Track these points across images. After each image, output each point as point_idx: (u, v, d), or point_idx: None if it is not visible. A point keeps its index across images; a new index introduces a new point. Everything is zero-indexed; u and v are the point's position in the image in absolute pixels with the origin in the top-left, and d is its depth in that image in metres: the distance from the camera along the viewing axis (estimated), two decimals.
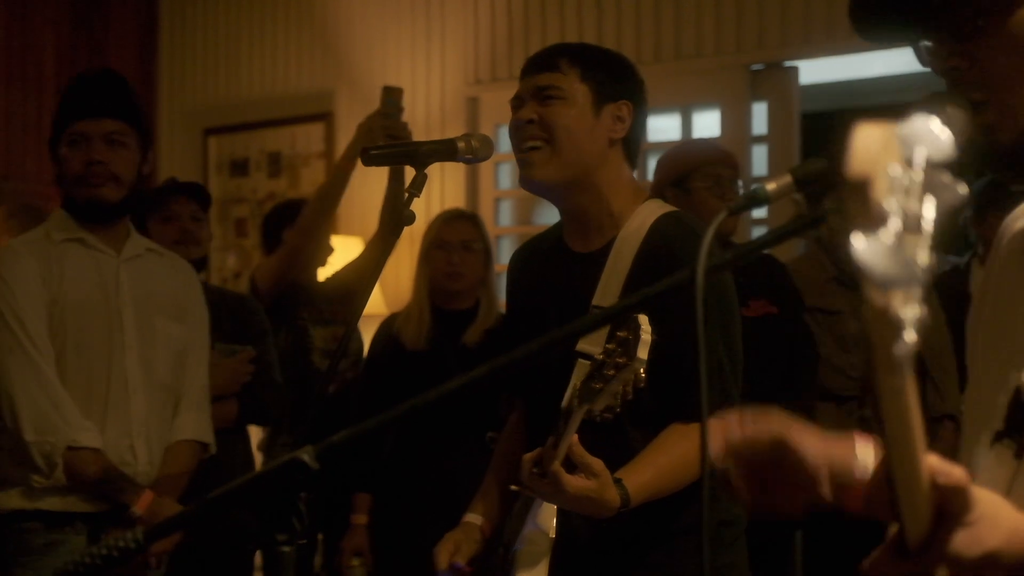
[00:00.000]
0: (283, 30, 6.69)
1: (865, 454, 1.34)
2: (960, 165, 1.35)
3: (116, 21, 6.97)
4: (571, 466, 2.30)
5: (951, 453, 1.29)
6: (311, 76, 6.49)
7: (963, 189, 0.91)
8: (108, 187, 3.04)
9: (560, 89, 2.58)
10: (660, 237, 2.51)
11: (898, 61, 5.28)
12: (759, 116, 5.18)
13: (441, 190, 5.85)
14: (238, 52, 6.89)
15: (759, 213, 5.09)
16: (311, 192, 5.99)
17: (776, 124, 5.14)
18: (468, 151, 2.54)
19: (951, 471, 1.04)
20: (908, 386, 0.93)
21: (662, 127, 5.44)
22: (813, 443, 1.36)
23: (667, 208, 2.60)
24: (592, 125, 2.59)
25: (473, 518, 2.74)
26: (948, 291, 4.51)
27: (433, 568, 2.67)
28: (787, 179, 1.45)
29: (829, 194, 1.30)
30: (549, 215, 2.75)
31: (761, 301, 3.86)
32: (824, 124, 5.80)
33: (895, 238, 0.85)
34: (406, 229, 2.46)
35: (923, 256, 0.88)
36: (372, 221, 4.48)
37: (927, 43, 1.46)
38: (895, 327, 0.86)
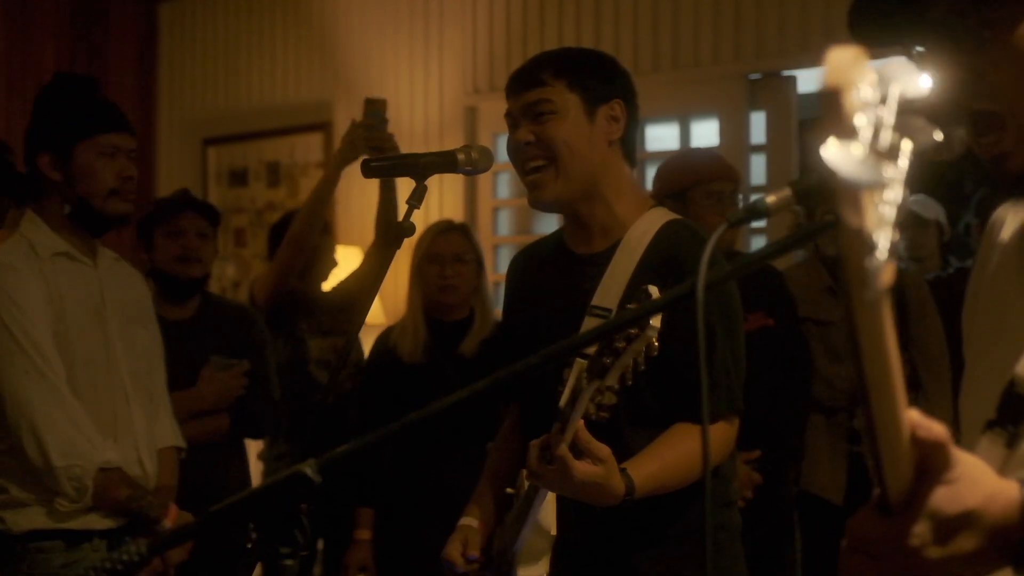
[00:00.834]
0: (282, 41, 6.71)
1: None
2: (968, 175, 1.36)
3: (116, 33, 7.00)
4: (577, 453, 2.30)
5: None
6: (309, 86, 6.51)
7: (937, 135, 0.91)
8: (132, 202, 3.06)
9: (551, 103, 2.56)
10: (667, 243, 2.51)
11: None
12: (757, 125, 5.18)
13: (440, 200, 5.85)
14: (237, 63, 6.92)
15: (758, 223, 5.11)
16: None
17: (774, 133, 5.15)
18: (468, 163, 2.54)
19: (931, 426, 1.04)
20: (883, 312, 0.93)
21: (660, 136, 5.44)
22: None
23: (673, 216, 2.60)
24: (589, 132, 2.58)
25: (469, 521, 2.73)
26: (952, 294, 4.51)
27: None
28: (787, 192, 1.45)
29: (823, 205, 1.30)
30: (547, 224, 2.74)
31: (757, 314, 3.82)
32: (810, 132, 5.80)
33: (866, 152, 0.86)
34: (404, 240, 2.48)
35: (896, 187, 0.88)
36: (371, 231, 4.50)
37: (922, 50, 1.45)
38: (868, 244, 0.87)
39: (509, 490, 2.65)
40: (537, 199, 2.60)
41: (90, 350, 3.02)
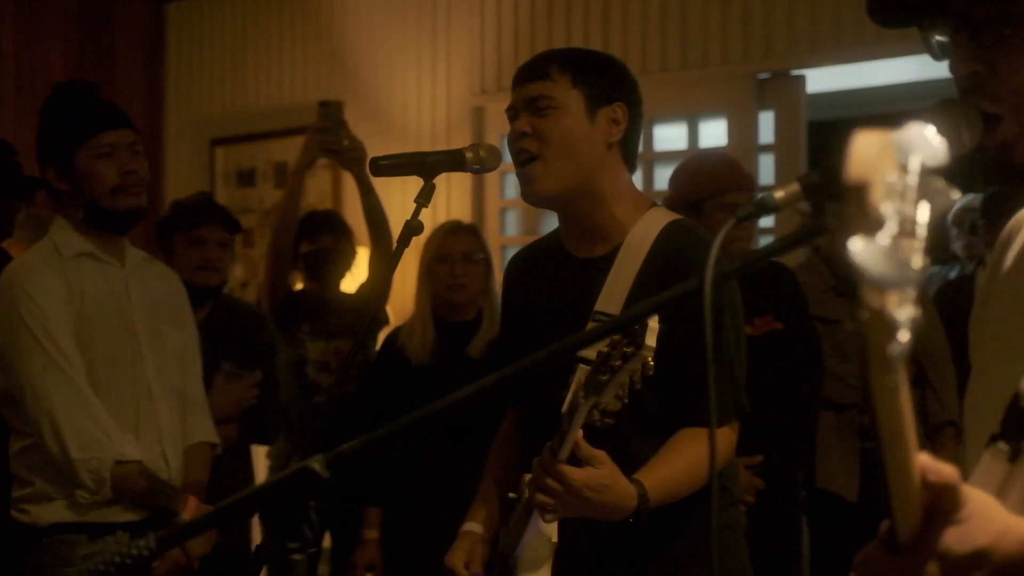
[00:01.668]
0: (289, 41, 6.73)
1: None
2: (970, 173, 1.35)
3: (123, 34, 7.02)
4: (577, 464, 2.29)
5: (953, 459, 1.31)
6: (317, 87, 6.49)
7: (955, 195, 0.93)
8: (143, 194, 3.09)
9: (552, 98, 2.56)
10: (669, 245, 2.50)
11: (905, 69, 5.29)
12: (766, 125, 5.17)
13: (448, 200, 5.88)
14: (244, 63, 6.94)
15: (766, 222, 5.09)
16: (318, 201, 6.10)
17: (783, 133, 5.14)
18: (476, 161, 2.54)
19: (941, 469, 1.05)
20: (901, 385, 0.95)
21: (669, 136, 5.44)
22: None
23: (673, 216, 2.58)
24: (588, 131, 2.57)
25: (473, 527, 2.73)
26: (955, 299, 4.51)
27: None
28: (795, 187, 1.43)
29: (829, 203, 1.28)
30: (555, 224, 2.73)
31: (767, 318, 3.83)
32: (831, 133, 5.79)
33: (891, 241, 0.88)
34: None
35: (917, 259, 0.90)
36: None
37: (942, 39, 1.45)
38: (890, 327, 0.89)
39: (512, 495, 2.65)
40: (529, 193, 2.59)
41: (112, 347, 3.06)
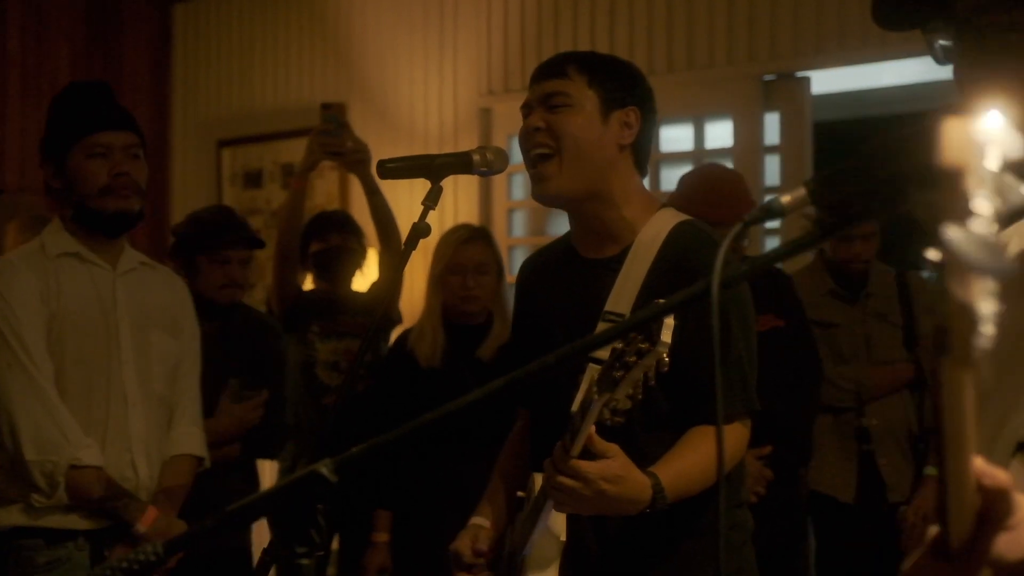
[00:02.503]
0: (296, 42, 6.75)
1: None
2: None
3: (130, 35, 7.04)
4: (590, 459, 2.31)
5: None
6: (324, 88, 6.51)
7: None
8: (133, 198, 3.06)
9: (568, 96, 2.59)
10: (679, 245, 2.52)
11: (910, 71, 5.29)
12: (771, 126, 5.19)
13: (455, 201, 5.88)
14: (251, 64, 6.96)
15: (772, 224, 5.12)
16: (325, 202, 6.13)
17: (789, 134, 5.15)
18: (483, 164, 2.56)
19: (996, 474, 1.05)
20: (972, 384, 0.94)
21: (675, 137, 5.46)
22: None
23: (682, 216, 2.60)
24: (600, 132, 2.59)
25: (480, 520, 2.75)
26: None
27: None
28: (801, 192, 1.43)
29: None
30: (562, 225, 2.74)
31: (768, 315, 3.82)
32: (837, 134, 5.80)
33: (986, 231, 0.87)
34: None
35: (1009, 251, 0.91)
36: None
37: (946, 43, 1.46)
38: (974, 320, 0.88)
39: (520, 493, 2.67)
40: (541, 192, 2.61)
41: (87, 349, 3.03)
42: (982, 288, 0.88)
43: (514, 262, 5.65)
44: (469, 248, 4.10)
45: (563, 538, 2.55)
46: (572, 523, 2.53)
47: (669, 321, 2.17)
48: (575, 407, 2.35)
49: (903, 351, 4.39)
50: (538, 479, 2.56)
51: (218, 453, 3.61)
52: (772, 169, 5.19)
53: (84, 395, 3.00)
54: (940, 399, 0.97)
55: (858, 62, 5.06)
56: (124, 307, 3.09)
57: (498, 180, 5.77)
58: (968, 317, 0.89)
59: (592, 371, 2.41)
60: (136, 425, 3.06)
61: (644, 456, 2.44)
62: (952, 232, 0.87)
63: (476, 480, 3.60)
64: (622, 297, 2.57)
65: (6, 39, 6.54)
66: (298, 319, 4.39)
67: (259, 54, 6.92)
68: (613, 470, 2.32)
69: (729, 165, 4.85)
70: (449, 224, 4.74)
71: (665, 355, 2.18)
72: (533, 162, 2.60)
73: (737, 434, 2.56)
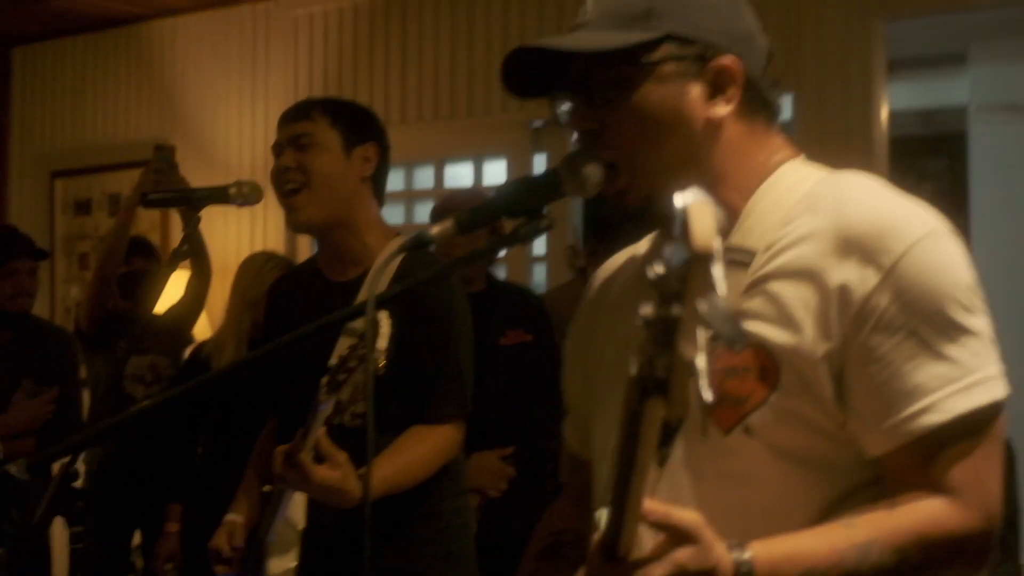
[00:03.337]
0: (124, 83, 6.79)
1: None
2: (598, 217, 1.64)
3: None
4: (319, 459, 2.40)
5: None
6: (149, 125, 6.60)
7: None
8: None
9: (313, 136, 2.68)
10: (407, 271, 2.59)
11: None
12: (540, 166, 5.46)
13: (264, 226, 6.04)
14: (83, 102, 6.97)
15: (540, 250, 5.55)
16: (148, 230, 6.17)
17: None
18: (239, 196, 2.69)
19: (656, 509, 1.22)
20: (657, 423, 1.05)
21: (457, 175, 5.77)
22: None
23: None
24: (344, 166, 2.69)
25: (234, 516, 2.84)
26: None
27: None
28: (449, 223, 1.50)
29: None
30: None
31: (518, 330, 4.06)
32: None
33: (726, 304, 0.95)
34: (220, 263, 2.49)
35: (743, 323, 1.08)
36: (223, 260, 4.79)
37: (566, 105, 1.55)
38: (694, 374, 0.97)
39: (267, 488, 2.75)
40: (293, 221, 2.68)
41: None
42: (701, 347, 0.96)
43: None
44: (274, 277, 4.10)
45: (300, 527, 2.67)
46: (312, 511, 2.63)
47: (385, 330, 2.32)
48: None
49: None
50: None
51: (13, 449, 3.77)
52: (539, 240, 5.16)
53: None
54: (639, 432, 1.05)
55: None
56: None
57: None
58: (688, 370, 0.96)
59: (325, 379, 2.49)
60: None
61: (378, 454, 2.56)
62: (703, 305, 0.93)
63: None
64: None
65: None
66: (106, 336, 4.46)
67: (91, 93, 6.93)
68: (333, 481, 2.38)
69: None
70: (259, 248, 4.99)
71: (381, 361, 2.35)
72: (286, 195, 2.69)
73: (450, 433, 2.66)
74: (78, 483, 2.72)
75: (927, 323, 1.38)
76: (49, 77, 7.19)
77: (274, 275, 4.06)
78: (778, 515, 1.41)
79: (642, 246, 1.74)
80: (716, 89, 1.52)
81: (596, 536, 1.23)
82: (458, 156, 5.71)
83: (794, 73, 4.80)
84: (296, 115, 2.75)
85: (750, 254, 1.48)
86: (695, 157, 1.51)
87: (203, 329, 5.25)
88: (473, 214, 1.50)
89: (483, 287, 4.01)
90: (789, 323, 1.40)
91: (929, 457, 1.38)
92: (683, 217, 0.95)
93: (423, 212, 5.67)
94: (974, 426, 1.38)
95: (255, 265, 4.30)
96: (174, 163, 4.00)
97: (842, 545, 1.34)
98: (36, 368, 4.12)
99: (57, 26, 6.81)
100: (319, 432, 2.38)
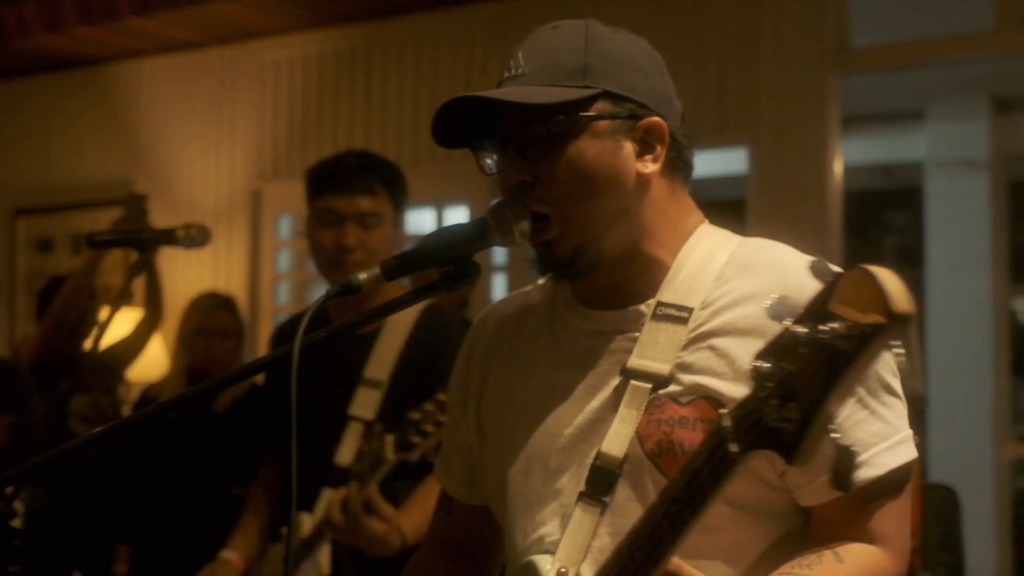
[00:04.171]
0: (89, 123, 6.84)
1: None
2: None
3: None
4: (367, 511, 2.52)
5: None
6: (113, 165, 6.65)
7: None
8: None
9: (379, 216, 2.74)
10: (427, 332, 2.76)
11: None
12: None
13: (228, 270, 6.12)
14: (48, 141, 7.01)
15: (500, 260, 5.64)
16: (109, 270, 6.07)
17: None
18: (186, 238, 2.71)
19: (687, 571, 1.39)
20: None
21: (419, 220, 5.88)
22: None
23: (428, 302, 2.72)
24: (394, 236, 2.79)
25: (229, 554, 2.87)
26: None
27: None
28: (376, 271, 1.53)
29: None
30: (318, 294, 2.94)
31: None
32: None
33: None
34: (180, 305, 2.44)
35: None
36: (175, 302, 4.84)
37: (492, 158, 1.58)
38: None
39: (284, 529, 2.81)
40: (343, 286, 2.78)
41: None
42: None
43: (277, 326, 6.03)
44: (215, 315, 4.38)
45: (326, 572, 2.70)
46: (336, 558, 2.69)
47: (431, 428, 2.41)
48: (348, 461, 2.56)
49: None
50: (306, 518, 2.70)
51: None
52: (500, 249, 5.52)
53: None
54: (720, 482, 1.24)
55: None
56: None
57: (265, 254, 6.08)
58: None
59: (356, 427, 2.63)
60: None
61: (397, 499, 2.64)
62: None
63: (216, 517, 3.80)
64: (380, 364, 2.71)
65: None
66: (48, 374, 4.42)
67: (56, 132, 6.98)
68: (380, 534, 2.51)
69: None
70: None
71: (420, 453, 2.44)
72: (345, 270, 2.67)
73: None
74: (16, 523, 2.73)
75: (864, 384, 1.46)
76: (15, 115, 7.23)
77: (214, 313, 4.31)
78: (733, 559, 1.50)
79: (533, 293, 1.78)
80: (645, 147, 1.58)
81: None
82: (420, 203, 5.58)
83: (750, 127, 4.90)
84: (360, 187, 2.75)
85: (687, 310, 1.55)
86: (626, 212, 1.56)
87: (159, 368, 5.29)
88: (400, 261, 1.52)
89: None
90: (740, 377, 1.46)
91: (861, 507, 1.47)
92: (877, 283, 1.08)
93: None
94: (899, 481, 1.49)
95: (196, 302, 4.42)
96: (145, 211, 4.05)
97: None
98: None
99: (23, 65, 6.86)
100: (373, 486, 2.50)
